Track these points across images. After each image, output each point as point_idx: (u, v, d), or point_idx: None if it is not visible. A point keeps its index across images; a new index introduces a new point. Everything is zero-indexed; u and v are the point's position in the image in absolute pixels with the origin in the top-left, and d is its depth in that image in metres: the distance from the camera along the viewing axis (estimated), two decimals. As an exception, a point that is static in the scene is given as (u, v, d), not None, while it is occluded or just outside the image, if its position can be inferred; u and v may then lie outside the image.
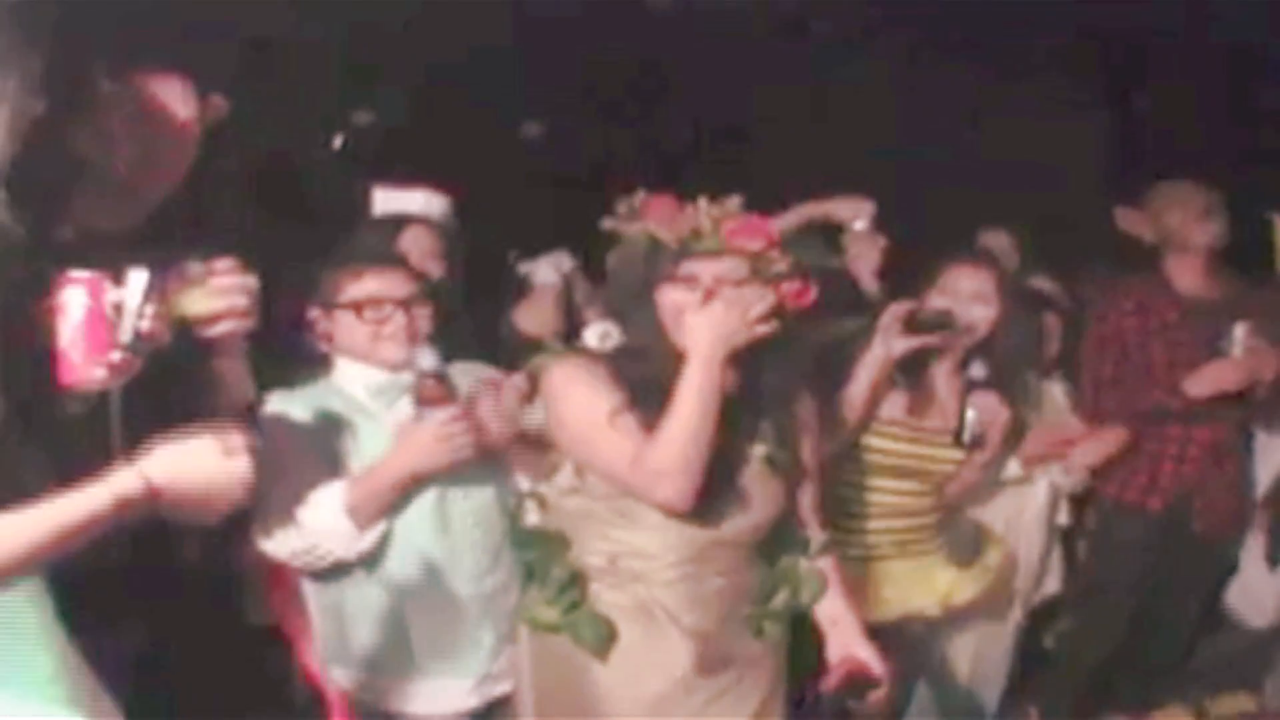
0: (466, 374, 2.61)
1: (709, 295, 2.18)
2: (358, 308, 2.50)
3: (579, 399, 2.25)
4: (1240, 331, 3.39)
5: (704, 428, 2.14)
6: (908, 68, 4.73)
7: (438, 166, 3.65)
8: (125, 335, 1.63)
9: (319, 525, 2.37)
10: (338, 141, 4.40)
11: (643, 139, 4.65)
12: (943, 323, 2.81)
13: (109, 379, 1.62)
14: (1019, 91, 4.75)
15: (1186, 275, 3.65)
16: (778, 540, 2.38)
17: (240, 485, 1.63)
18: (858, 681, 2.23)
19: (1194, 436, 3.60)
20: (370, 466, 2.41)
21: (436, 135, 4.51)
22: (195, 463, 1.60)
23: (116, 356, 1.61)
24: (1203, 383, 3.46)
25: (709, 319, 2.15)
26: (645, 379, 2.23)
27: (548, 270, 3.67)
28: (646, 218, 2.26)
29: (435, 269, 3.16)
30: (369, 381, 2.53)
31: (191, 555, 2.03)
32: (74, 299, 1.59)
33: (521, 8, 4.43)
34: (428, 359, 2.37)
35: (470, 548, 2.52)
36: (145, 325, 1.65)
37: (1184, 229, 3.61)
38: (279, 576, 2.49)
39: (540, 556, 2.35)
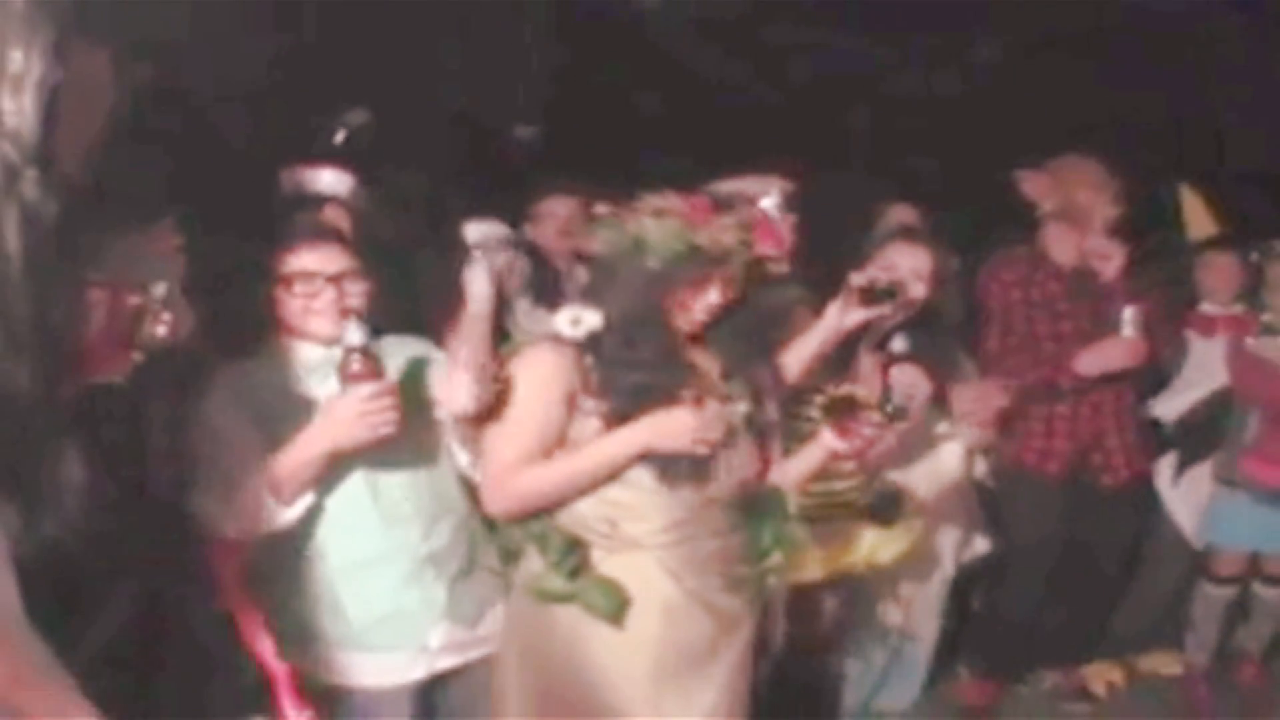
0: (401, 348, 2.62)
1: (698, 402, 2.27)
2: (288, 281, 2.50)
3: (527, 387, 2.32)
4: (1130, 313, 3.50)
5: (575, 489, 2.28)
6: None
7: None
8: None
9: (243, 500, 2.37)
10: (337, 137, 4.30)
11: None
12: (895, 294, 2.89)
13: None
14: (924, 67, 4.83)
15: (1068, 248, 3.72)
16: (759, 502, 2.46)
17: None
18: None
19: (1083, 397, 3.69)
20: (292, 441, 2.41)
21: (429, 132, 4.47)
22: None
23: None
24: (1093, 361, 3.57)
25: (666, 425, 2.25)
26: (626, 364, 2.29)
27: (478, 231, 3.66)
28: (689, 219, 2.28)
29: (350, 246, 3.17)
30: (306, 357, 2.53)
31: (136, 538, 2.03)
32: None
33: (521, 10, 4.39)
34: (354, 334, 2.35)
35: (403, 519, 2.53)
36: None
37: (1090, 204, 3.68)
38: (222, 554, 2.48)
39: (540, 527, 2.38)
